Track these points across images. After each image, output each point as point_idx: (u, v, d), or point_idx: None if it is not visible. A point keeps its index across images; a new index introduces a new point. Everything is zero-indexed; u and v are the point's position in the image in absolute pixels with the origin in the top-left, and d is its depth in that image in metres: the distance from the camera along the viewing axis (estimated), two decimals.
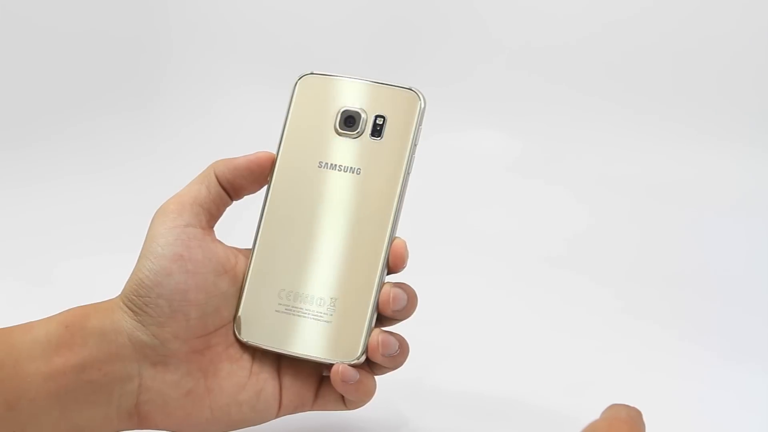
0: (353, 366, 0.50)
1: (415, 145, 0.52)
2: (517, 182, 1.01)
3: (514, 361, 0.68)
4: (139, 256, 0.49)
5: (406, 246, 0.51)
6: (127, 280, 0.49)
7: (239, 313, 0.51)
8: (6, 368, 0.46)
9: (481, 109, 1.09)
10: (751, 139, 1.03)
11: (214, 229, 0.52)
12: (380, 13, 1.13)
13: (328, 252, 0.52)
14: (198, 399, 0.49)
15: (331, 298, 0.51)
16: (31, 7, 1.11)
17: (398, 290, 0.51)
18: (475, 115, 1.08)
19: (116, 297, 0.49)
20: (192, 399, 0.49)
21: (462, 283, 0.81)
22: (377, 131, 0.52)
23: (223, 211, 0.52)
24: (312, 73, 0.53)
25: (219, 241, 0.51)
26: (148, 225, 0.50)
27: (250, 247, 0.53)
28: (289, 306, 0.51)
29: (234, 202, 0.53)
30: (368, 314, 0.51)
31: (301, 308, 0.51)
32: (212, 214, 0.51)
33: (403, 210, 0.52)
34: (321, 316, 0.51)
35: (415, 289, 0.52)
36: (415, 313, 0.53)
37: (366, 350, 0.50)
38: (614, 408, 0.47)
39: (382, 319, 0.52)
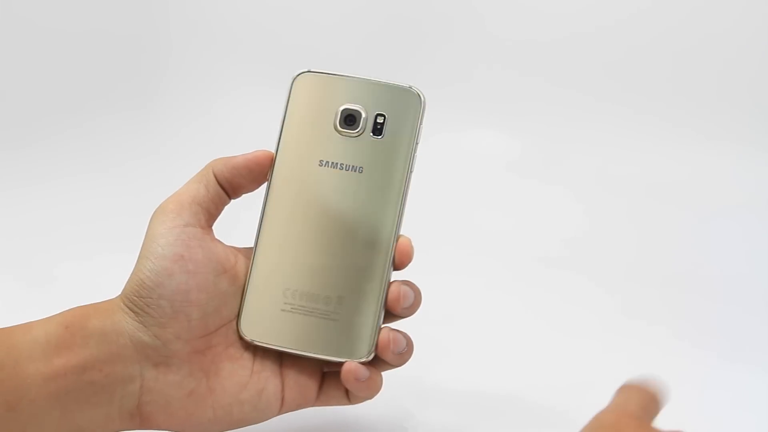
0: (362, 364, 0.50)
1: (417, 144, 0.52)
2: (517, 182, 1.01)
3: (513, 360, 0.68)
4: (139, 257, 0.49)
5: (411, 243, 0.52)
6: (127, 280, 0.50)
7: (243, 313, 0.51)
8: (6, 369, 0.46)
9: (481, 109, 1.09)
10: (750, 139, 1.03)
11: (213, 228, 0.52)
12: (380, 13, 1.13)
13: (333, 250, 0.52)
14: (200, 399, 0.49)
15: (338, 297, 0.51)
16: (31, 7, 1.11)
17: (407, 287, 0.51)
18: (475, 115, 1.08)
19: (116, 297, 0.49)
20: (194, 399, 0.49)
21: (461, 282, 0.81)
22: (378, 130, 0.52)
23: (222, 209, 0.52)
24: (309, 71, 0.53)
25: (218, 241, 0.51)
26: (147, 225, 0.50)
27: (251, 246, 0.53)
28: (295, 305, 0.51)
29: (232, 200, 0.53)
30: (376, 312, 0.51)
31: (307, 307, 0.51)
32: (211, 213, 0.51)
33: (405, 215, 0.52)
34: (328, 315, 0.51)
35: None
36: (415, 313, 0.53)
37: (375, 348, 0.51)
38: (625, 393, 0.47)
39: (387, 316, 0.52)
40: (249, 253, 0.52)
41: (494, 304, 0.78)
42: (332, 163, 0.52)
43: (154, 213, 0.50)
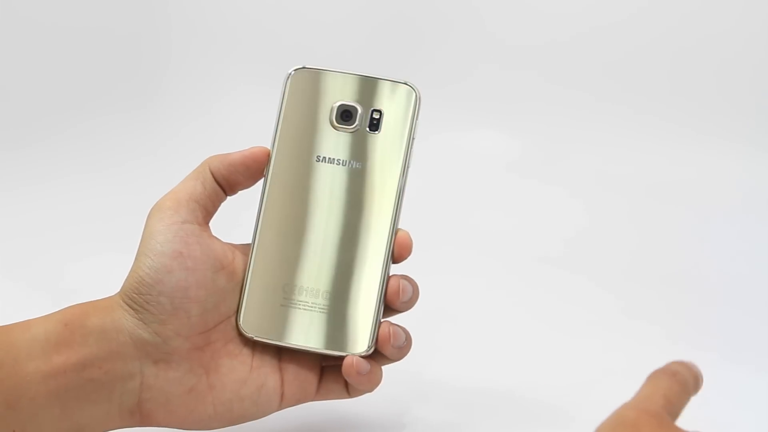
0: (363, 357, 0.51)
1: (413, 139, 0.53)
2: (517, 182, 1.01)
3: (512, 359, 0.68)
4: (138, 254, 0.49)
5: (410, 236, 0.52)
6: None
7: (243, 310, 0.51)
8: (5, 367, 0.46)
9: (481, 109, 1.09)
10: (750, 139, 1.03)
11: (214, 228, 0.52)
12: (380, 13, 1.13)
13: (332, 245, 0.52)
14: (200, 396, 0.50)
15: (338, 291, 0.52)
16: (31, 7, 1.11)
17: (405, 282, 0.52)
18: (475, 115, 1.08)
19: (115, 295, 0.49)
20: (194, 396, 0.49)
21: (461, 282, 0.81)
22: (374, 125, 0.53)
23: (219, 206, 0.52)
24: (304, 67, 0.54)
25: (215, 237, 0.51)
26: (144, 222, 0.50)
27: (248, 242, 0.53)
28: (294, 300, 0.52)
29: (229, 198, 0.53)
30: (376, 306, 0.51)
31: (307, 302, 0.52)
32: (208, 210, 0.51)
33: (402, 207, 0.52)
34: (328, 309, 0.51)
35: None
36: (414, 312, 0.53)
37: (375, 342, 0.51)
38: (653, 384, 0.46)
39: (384, 311, 0.52)
40: (246, 250, 0.52)
41: (494, 303, 0.78)
42: (329, 158, 0.53)
43: (151, 210, 0.50)
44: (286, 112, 0.53)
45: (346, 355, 0.51)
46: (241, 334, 0.51)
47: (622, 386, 0.64)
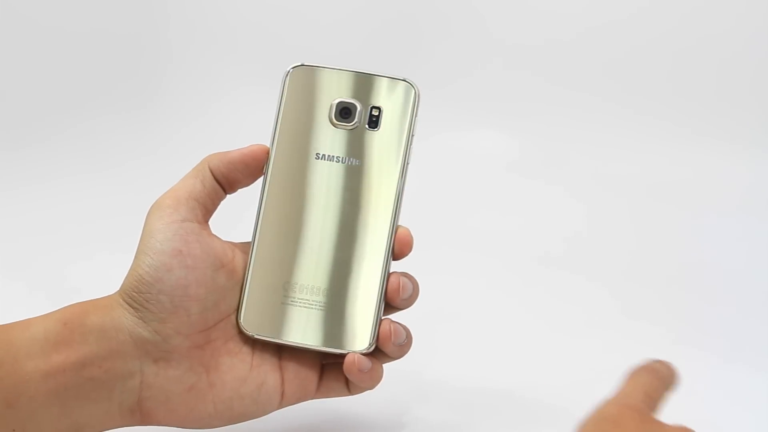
0: (364, 355, 0.51)
1: (413, 136, 0.53)
2: (517, 182, 1.01)
3: (512, 358, 0.68)
4: (137, 252, 0.49)
5: (410, 233, 0.52)
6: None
7: (244, 308, 0.51)
8: (5, 366, 0.46)
9: (481, 109, 1.09)
10: (750, 139, 1.03)
11: (214, 229, 0.52)
12: (380, 12, 1.13)
13: (332, 243, 0.52)
14: (200, 394, 0.50)
15: (338, 289, 0.52)
16: (31, 7, 1.11)
17: (405, 279, 0.52)
18: (475, 115, 1.08)
19: (115, 293, 0.49)
20: (194, 394, 0.49)
21: (461, 282, 0.81)
22: (374, 122, 0.53)
23: (218, 205, 0.52)
24: (303, 65, 0.54)
25: (215, 236, 0.51)
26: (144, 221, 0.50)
27: (248, 241, 0.53)
28: (295, 298, 0.52)
29: (229, 197, 0.53)
30: (376, 304, 0.51)
31: (307, 300, 0.52)
32: (207, 208, 0.51)
33: (402, 207, 0.52)
34: (329, 307, 0.52)
35: None
36: (414, 312, 0.53)
37: (376, 339, 0.51)
38: (633, 380, 0.47)
39: (385, 308, 0.52)
40: (246, 248, 0.52)
41: (494, 303, 0.77)
42: (328, 155, 0.53)
43: (150, 209, 0.50)
44: (285, 109, 0.53)
45: (348, 353, 0.51)
46: (241, 333, 0.51)
47: None
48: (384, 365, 0.52)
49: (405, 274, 0.52)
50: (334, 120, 0.53)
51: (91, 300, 0.49)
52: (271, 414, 0.52)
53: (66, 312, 0.48)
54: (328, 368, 0.53)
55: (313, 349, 0.52)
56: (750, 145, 1.02)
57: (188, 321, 0.49)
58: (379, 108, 0.53)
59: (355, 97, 0.53)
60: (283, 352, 0.52)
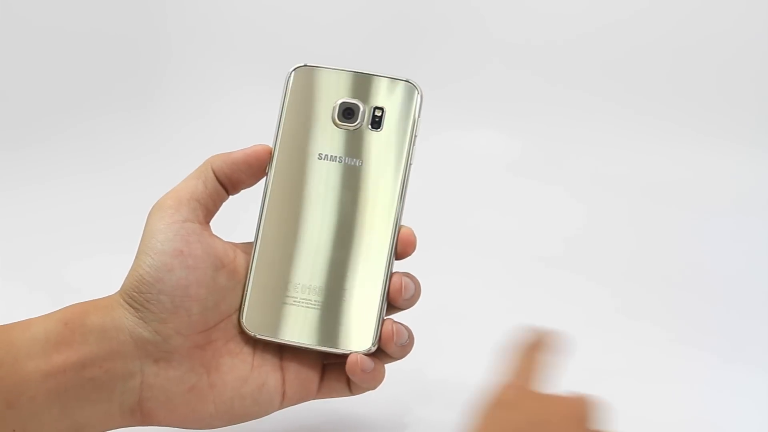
0: (366, 355, 0.51)
1: (416, 136, 0.53)
2: (517, 182, 1.01)
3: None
4: (138, 252, 0.49)
5: (413, 232, 0.52)
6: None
7: (246, 308, 0.51)
8: (5, 366, 0.46)
9: (481, 109, 1.09)
10: (749, 139, 1.03)
11: (215, 229, 0.52)
12: (380, 13, 1.13)
13: (335, 243, 0.52)
14: (201, 394, 0.49)
15: (341, 289, 0.52)
16: (30, 7, 1.11)
17: (408, 279, 0.52)
18: (475, 115, 1.08)
19: (115, 293, 0.49)
20: (195, 394, 0.49)
21: (461, 282, 0.81)
22: (377, 123, 0.53)
23: (220, 205, 0.52)
24: (305, 65, 0.54)
25: (216, 236, 0.51)
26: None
27: (250, 241, 0.53)
28: (297, 298, 0.52)
29: (231, 199, 0.53)
30: (379, 304, 0.51)
31: (310, 300, 0.52)
32: (209, 209, 0.51)
33: (405, 204, 0.52)
34: (331, 307, 0.51)
35: None
36: (415, 312, 0.53)
37: (378, 339, 0.51)
38: (520, 363, 0.49)
39: (387, 308, 0.52)
40: (248, 249, 0.52)
41: (493, 303, 0.77)
42: (331, 156, 0.52)
43: (152, 209, 0.50)
44: (288, 109, 0.53)
45: (350, 353, 0.51)
46: (243, 332, 0.51)
47: (622, 386, 0.65)
48: (385, 365, 0.52)
49: (407, 274, 0.52)
50: (337, 120, 0.53)
51: (92, 300, 0.49)
52: (272, 414, 0.52)
53: (66, 312, 0.48)
54: (330, 368, 0.53)
55: (315, 350, 0.51)
56: (750, 145, 1.02)
57: (189, 321, 0.49)
58: (382, 108, 0.53)
59: (358, 97, 0.53)
60: (284, 352, 0.52)
